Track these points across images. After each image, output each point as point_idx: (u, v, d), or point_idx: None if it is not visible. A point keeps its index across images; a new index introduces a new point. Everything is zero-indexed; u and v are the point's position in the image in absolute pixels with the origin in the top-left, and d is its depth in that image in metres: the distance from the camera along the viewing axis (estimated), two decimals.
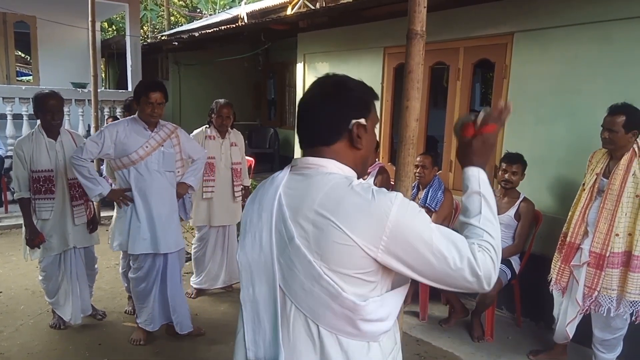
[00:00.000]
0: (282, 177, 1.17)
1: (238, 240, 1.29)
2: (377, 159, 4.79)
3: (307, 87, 5.97)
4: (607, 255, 2.73)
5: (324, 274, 1.05)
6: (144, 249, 3.10)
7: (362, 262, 1.05)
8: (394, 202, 1.05)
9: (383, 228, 1.03)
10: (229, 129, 4.05)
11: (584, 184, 2.98)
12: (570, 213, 3.01)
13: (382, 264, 1.06)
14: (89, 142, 3.05)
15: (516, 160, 3.46)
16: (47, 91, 3.28)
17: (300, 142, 1.21)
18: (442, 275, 1.05)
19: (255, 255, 1.15)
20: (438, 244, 1.04)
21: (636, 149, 2.73)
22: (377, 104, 1.26)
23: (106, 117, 7.11)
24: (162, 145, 3.13)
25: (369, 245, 1.03)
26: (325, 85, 1.20)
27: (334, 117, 1.15)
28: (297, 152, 6.70)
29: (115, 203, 3.20)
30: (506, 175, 3.46)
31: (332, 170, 1.13)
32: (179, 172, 3.29)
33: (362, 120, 1.15)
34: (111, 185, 3.37)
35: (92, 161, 3.09)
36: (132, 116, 3.21)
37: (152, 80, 3.28)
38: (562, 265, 2.97)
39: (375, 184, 4.50)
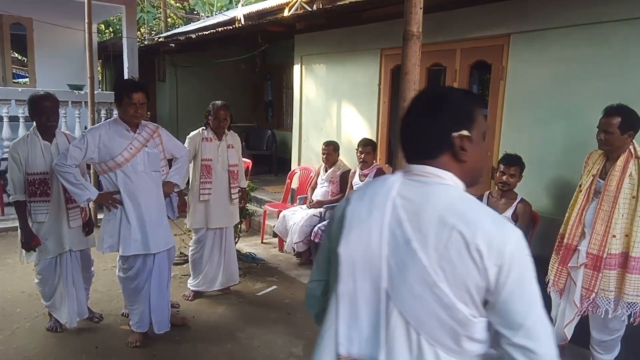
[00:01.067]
0: (395, 180, 1.17)
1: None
2: (374, 161, 4.79)
3: (304, 88, 5.98)
4: (604, 256, 2.73)
5: (440, 282, 1.04)
6: (136, 250, 3.11)
7: (481, 277, 1.04)
8: (516, 233, 1.06)
9: (503, 251, 1.03)
10: (226, 131, 4.04)
11: (580, 185, 2.98)
12: (567, 214, 3.01)
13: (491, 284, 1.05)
14: (72, 147, 3.00)
15: (514, 163, 3.47)
16: (42, 93, 3.27)
17: (405, 155, 1.22)
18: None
19: (360, 251, 1.13)
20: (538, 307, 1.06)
21: (632, 150, 2.74)
22: (484, 111, 1.26)
23: (103, 119, 7.09)
24: (146, 146, 3.13)
25: (491, 261, 1.03)
26: (423, 99, 1.21)
27: (433, 132, 1.15)
28: (295, 154, 6.70)
29: (104, 206, 3.18)
30: (504, 177, 3.46)
31: (449, 182, 1.14)
32: (163, 171, 3.30)
33: (465, 132, 1.14)
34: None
35: (77, 167, 3.04)
36: (112, 118, 3.17)
37: (132, 80, 3.26)
38: (560, 267, 2.98)
39: None
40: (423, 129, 1.16)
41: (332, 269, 1.22)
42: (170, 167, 3.43)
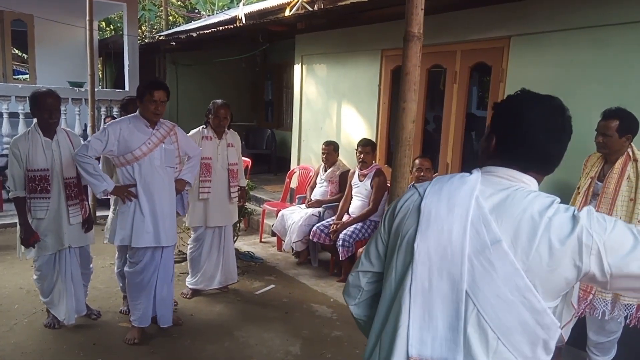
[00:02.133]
0: (475, 178, 1.15)
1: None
2: (373, 161, 4.80)
3: (305, 88, 5.92)
4: None
5: (533, 286, 1.02)
6: (148, 242, 3.19)
7: (568, 274, 1.04)
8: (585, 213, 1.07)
9: (590, 247, 1.02)
10: (226, 129, 4.05)
11: (578, 188, 2.99)
12: None
13: (588, 271, 1.04)
14: (93, 139, 3.11)
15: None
16: (44, 90, 3.28)
17: (495, 155, 1.18)
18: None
19: (440, 249, 1.09)
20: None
21: (630, 153, 2.75)
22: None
23: (103, 116, 7.10)
24: (163, 142, 3.22)
25: (581, 263, 1.02)
26: (559, 117, 1.19)
27: (553, 154, 1.17)
28: (294, 153, 6.71)
29: (117, 199, 3.26)
30: None
31: (533, 189, 1.13)
32: (176, 168, 3.39)
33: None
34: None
35: (97, 158, 3.17)
36: (133, 114, 3.27)
37: (156, 79, 3.35)
38: None
39: (371, 186, 4.55)
40: (543, 146, 1.15)
41: (396, 265, 1.17)
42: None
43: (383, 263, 1.26)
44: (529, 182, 1.14)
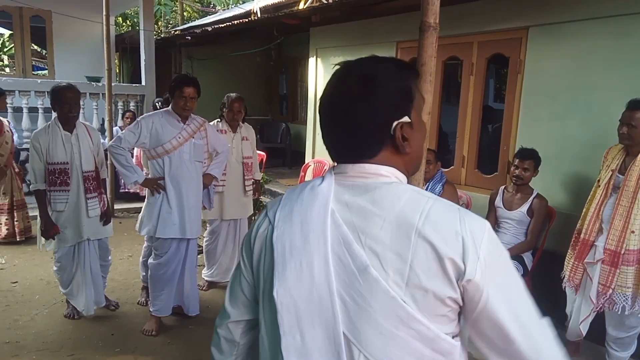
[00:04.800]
0: (328, 187, 0.91)
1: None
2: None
3: (319, 81, 5.90)
4: (622, 252, 2.70)
5: (416, 313, 0.83)
6: (174, 234, 3.26)
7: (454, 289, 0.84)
8: (486, 228, 0.86)
9: (478, 249, 0.83)
10: (241, 123, 4.06)
11: (599, 180, 2.94)
12: (584, 210, 2.98)
13: (468, 290, 0.84)
14: (127, 132, 3.21)
15: (529, 157, 3.42)
16: (64, 84, 3.33)
17: (332, 155, 0.97)
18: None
19: (304, 292, 0.86)
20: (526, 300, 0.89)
21: None
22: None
23: (120, 111, 7.17)
24: (193, 137, 3.30)
25: (462, 265, 0.82)
26: (349, 82, 0.92)
27: (368, 125, 0.90)
28: (309, 147, 6.70)
29: (148, 190, 3.34)
30: (517, 171, 3.42)
31: (393, 180, 0.91)
32: (205, 163, 3.48)
33: (406, 119, 0.91)
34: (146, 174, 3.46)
35: (130, 150, 3.29)
36: (166, 108, 3.36)
37: (186, 75, 3.44)
38: (576, 262, 2.94)
39: None
40: (354, 121, 0.90)
41: (264, 314, 0.94)
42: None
43: (254, 306, 1.02)
44: (387, 173, 0.91)
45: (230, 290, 1.07)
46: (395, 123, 0.90)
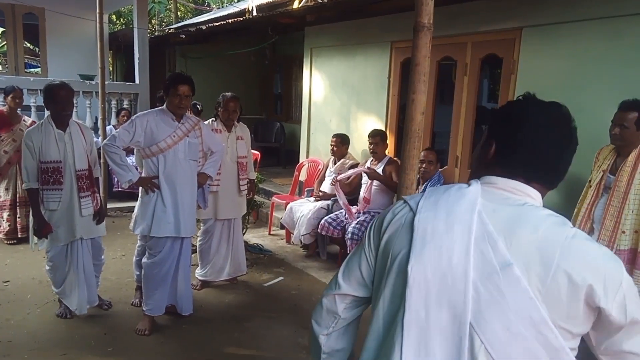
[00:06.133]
0: (475, 191, 1.00)
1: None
2: (385, 153, 4.79)
3: (314, 81, 5.89)
4: (613, 252, 2.72)
5: (549, 320, 0.88)
6: (168, 232, 3.26)
7: (586, 313, 0.92)
8: (623, 272, 0.94)
9: (620, 280, 0.91)
10: (235, 122, 4.06)
11: (590, 181, 2.96)
12: (575, 210, 3.00)
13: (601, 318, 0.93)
14: (122, 130, 3.20)
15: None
16: (58, 82, 3.32)
17: (499, 163, 1.05)
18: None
19: (438, 273, 0.93)
20: None
21: None
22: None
23: (113, 109, 7.13)
24: (188, 136, 3.29)
25: (600, 292, 0.89)
26: (566, 126, 1.05)
27: (564, 166, 1.05)
28: (303, 146, 6.70)
29: (141, 189, 3.33)
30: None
31: (537, 203, 1.01)
32: (199, 162, 3.46)
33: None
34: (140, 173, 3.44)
35: (125, 149, 3.25)
36: (161, 107, 3.35)
37: (180, 73, 3.43)
38: None
39: (384, 172, 4.52)
40: (549, 155, 1.03)
41: (385, 291, 1.03)
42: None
43: (366, 286, 1.12)
44: (534, 196, 1.02)
45: (346, 266, 1.16)
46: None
